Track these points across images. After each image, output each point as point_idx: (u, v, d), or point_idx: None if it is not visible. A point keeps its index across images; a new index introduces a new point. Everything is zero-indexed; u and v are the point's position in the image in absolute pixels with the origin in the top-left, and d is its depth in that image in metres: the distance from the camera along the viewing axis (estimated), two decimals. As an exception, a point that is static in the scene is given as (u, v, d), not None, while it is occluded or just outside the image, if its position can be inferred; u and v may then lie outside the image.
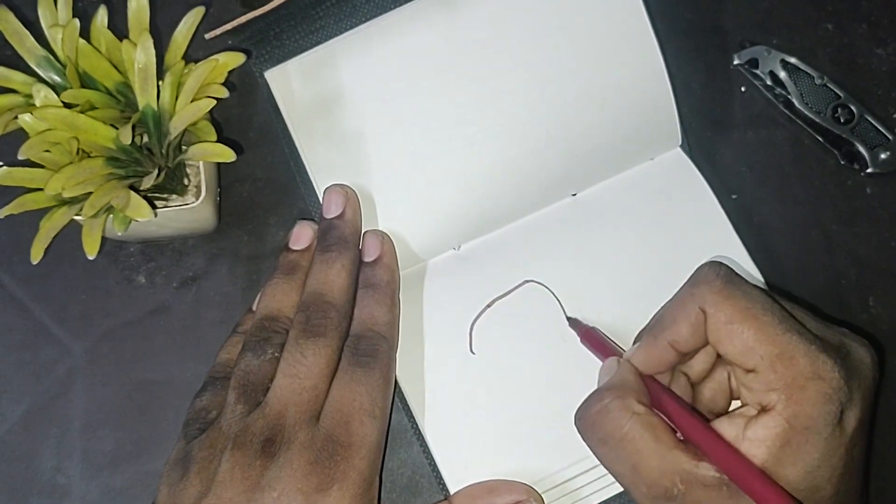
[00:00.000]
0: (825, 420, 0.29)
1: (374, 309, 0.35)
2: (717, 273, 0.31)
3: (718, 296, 0.31)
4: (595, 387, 0.33)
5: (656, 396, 0.32)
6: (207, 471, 0.32)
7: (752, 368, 0.30)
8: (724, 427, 0.30)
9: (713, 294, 0.31)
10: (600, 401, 0.31)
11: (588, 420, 0.32)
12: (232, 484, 0.31)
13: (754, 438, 0.29)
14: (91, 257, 0.34)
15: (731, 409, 0.34)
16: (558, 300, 0.38)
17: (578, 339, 0.37)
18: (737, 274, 0.32)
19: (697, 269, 0.33)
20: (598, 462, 0.36)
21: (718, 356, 0.33)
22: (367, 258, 0.37)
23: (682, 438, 0.31)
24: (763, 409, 0.30)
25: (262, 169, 0.42)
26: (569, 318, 0.37)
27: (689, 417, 0.31)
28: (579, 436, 0.33)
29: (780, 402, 0.29)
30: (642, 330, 0.35)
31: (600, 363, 0.35)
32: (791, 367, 0.29)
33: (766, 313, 0.30)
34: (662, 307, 0.34)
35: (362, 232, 0.38)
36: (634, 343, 0.35)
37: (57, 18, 0.35)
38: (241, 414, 0.32)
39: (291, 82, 0.38)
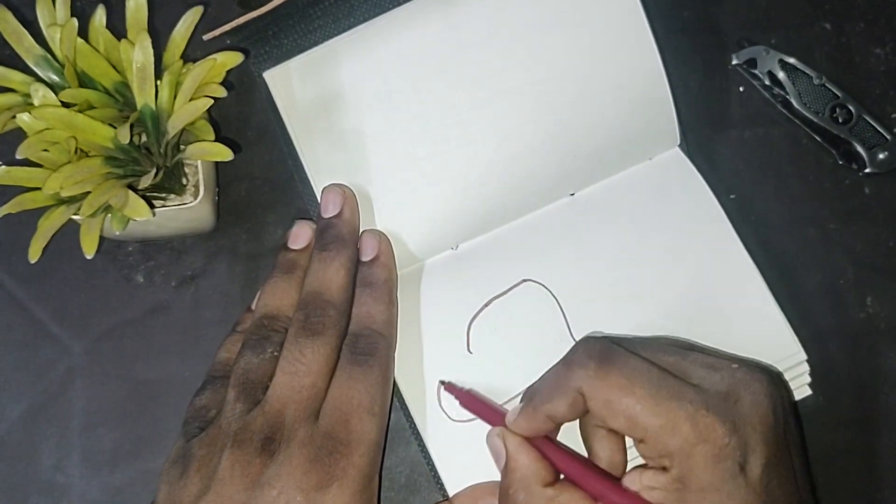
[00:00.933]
0: (721, 478, 0.29)
1: (372, 307, 0.35)
2: (590, 355, 0.32)
3: (594, 378, 0.31)
4: None
5: (552, 456, 0.33)
6: (207, 468, 0.32)
7: (641, 439, 0.31)
8: (628, 481, 0.32)
9: (588, 378, 0.31)
10: (516, 499, 0.32)
11: None
12: (232, 481, 0.31)
13: (655, 488, 0.31)
14: (89, 257, 0.34)
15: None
16: (556, 299, 0.38)
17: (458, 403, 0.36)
18: (612, 346, 0.32)
19: (572, 349, 0.33)
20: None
21: None
22: (365, 257, 0.37)
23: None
24: (662, 468, 0.31)
25: (261, 168, 0.42)
26: (443, 383, 0.37)
27: (592, 475, 0.32)
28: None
29: (673, 466, 0.30)
30: (529, 388, 0.35)
31: None
32: (675, 436, 0.29)
33: (643, 386, 0.30)
34: (543, 376, 0.34)
35: (360, 231, 0.38)
36: (523, 398, 0.35)
37: (55, 18, 0.35)
38: (240, 412, 0.33)
39: (290, 82, 0.38)
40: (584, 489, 0.32)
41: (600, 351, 0.32)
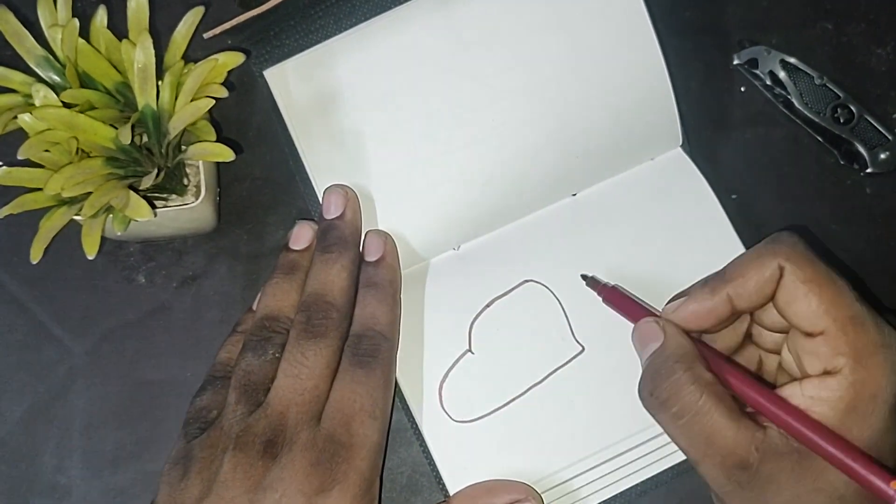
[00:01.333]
0: (893, 389, 0.29)
1: (375, 309, 0.35)
2: (799, 238, 0.32)
3: (801, 256, 0.30)
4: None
5: (705, 358, 0.31)
6: (209, 471, 0.32)
7: (821, 331, 0.30)
8: (781, 392, 0.30)
9: (796, 253, 0.31)
10: (671, 374, 0.30)
11: (660, 396, 0.30)
12: (234, 484, 0.31)
13: (817, 398, 0.29)
14: (91, 257, 0.34)
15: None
16: (558, 300, 0.38)
17: (600, 299, 0.35)
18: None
19: (775, 234, 0.32)
20: (596, 463, 0.36)
21: (748, 335, 0.33)
22: (370, 258, 0.37)
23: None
24: (826, 373, 0.30)
25: (262, 168, 0.42)
26: (584, 277, 0.36)
27: (750, 383, 0.31)
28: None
29: (847, 366, 0.29)
30: (676, 295, 0.34)
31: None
32: (862, 333, 0.29)
33: (841, 280, 0.30)
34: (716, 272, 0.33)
35: (362, 232, 0.38)
36: (665, 311, 0.34)
37: (56, 18, 0.35)
38: (242, 414, 0.32)
39: (290, 81, 0.38)
40: (740, 394, 0.30)
41: (804, 241, 0.31)
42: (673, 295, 0.34)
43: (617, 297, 0.35)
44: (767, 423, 0.30)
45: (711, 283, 0.32)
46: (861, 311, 0.30)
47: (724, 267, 0.32)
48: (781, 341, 0.33)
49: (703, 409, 0.29)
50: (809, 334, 0.30)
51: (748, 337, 0.35)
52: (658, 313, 0.34)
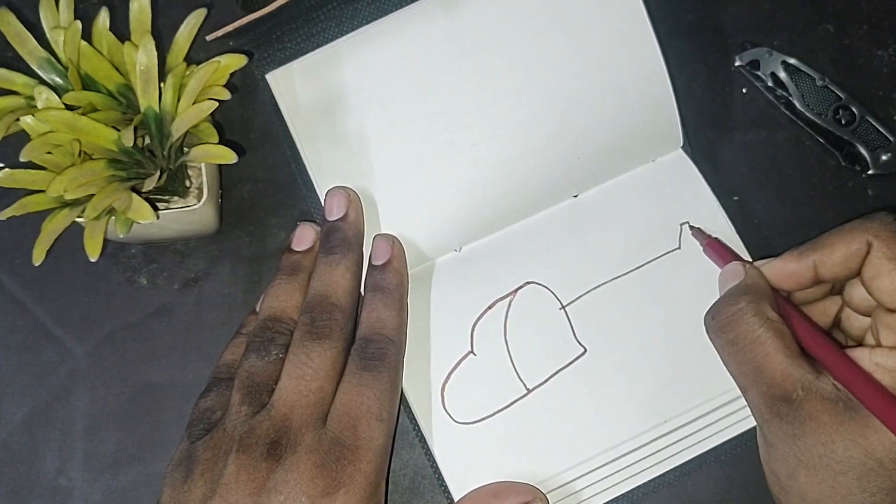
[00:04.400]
0: None
1: (382, 312, 0.35)
2: (894, 218, 0.32)
3: (891, 234, 0.31)
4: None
5: (783, 307, 0.32)
6: (212, 472, 0.32)
7: None
8: (849, 352, 0.31)
9: (886, 231, 0.31)
10: (736, 303, 0.32)
11: (722, 320, 0.32)
12: (237, 486, 0.31)
13: (884, 366, 0.30)
14: (93, 259, 0.34)
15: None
16: (560, 301, 0.38)
17: (701, 248, 0.37)
18: None
19: (871, 213, 0.33)
20: (599, 465, 0.36)
21: (837, 322, 0.34)
22: (377, 261, 0.37)
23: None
24: None
25: (264, 170, 0.42)
26: (691, 227, 0.38)
27: (817, 334, 0.32)
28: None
29: None
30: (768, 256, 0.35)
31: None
32: None
33: None
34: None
35: (365, 234, 0.38)
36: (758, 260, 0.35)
37: (59, 20, 0.35)
38: (245, 415, 0.32)
39: (293, 84, 0.38)
40: (813, 350, 0.31)
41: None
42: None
43: (716, 246, 0.37)
44: (824, 372, 0.31)
45: (802, 248, 0.33)
46: None
47: (819, 237, 0.34)
48: (867, 328, 0.34)
49: (760, 339, 0.31)
50: (891, 310, 0.31)
51: (836, 324, 0.35)
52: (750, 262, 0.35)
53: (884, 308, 0.32)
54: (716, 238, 0.37)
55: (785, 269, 0.33)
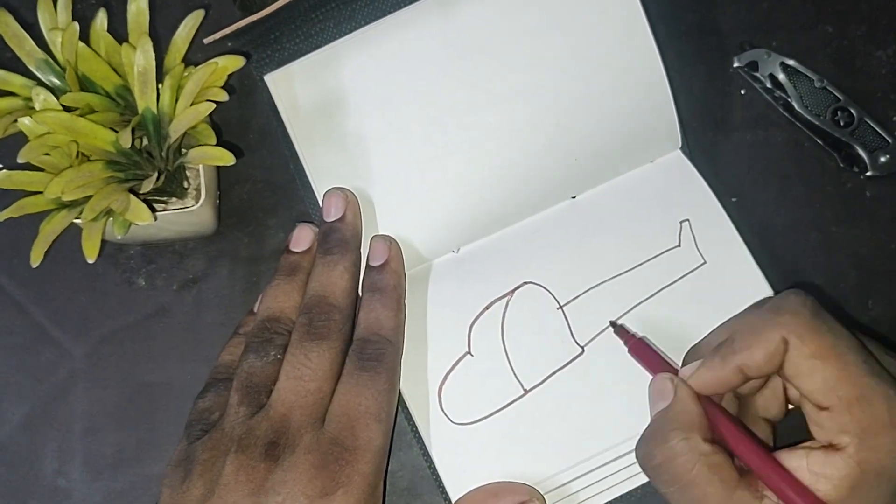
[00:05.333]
0: None
1: (380, 313, 0.35)
2: (804, 304, 0.30)
3: (805, 328, 0.30)
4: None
5: (715, 422, 0.31)
6: (211, 473, 0.32)
7: (827, 407, 0.29)
8: (787, 460, 0.30)
9: (800, 326, 0.30)
10: (666, 442, 0.30)
11: (653, 461, 0.31)
12: (236, 486, 0.31)
13: (821, 475, 0.29)
14: (91, 261, 0.34)
15: (786, 415, 0.34)
16: (557, 302, 0.38)
17: (626, 349, 0.35)
18: (822, 308, 0.31)
19: (782, 296, 0.32)
20: (597, 465, 0.36)
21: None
22: (374, 262, 0.37)
23: (743, 468, 0.30)
24: (832, 447, 0.29)
25: (262, 171, 0.42)
26: (613, 325, 0.37)
27: (752, 448, 0.30)
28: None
29: (852, 445, 0.28)
30: (693, 348, 0.34)
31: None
32: (868, 412, 0.28)
33: (850, 352, 0.29)
34: (724, 328, 0.33)
35: (363, 235, 0.38)
36: (685, 361, 0.34)
37: (56, 21, 0.35)
38: (244, 416, 0.32)
39: (291, 85, 0.38)
40: (746, 461, 0.30)
41: (813, 303, 0.30)
42: (690, 347, 0.34)
43: (642, 349, 0.35)
44: (767, 493, 0.29)
45: (723, 351, 0.31)
46: (870, 387, 0.29)
47: (734, 330, 0.32)
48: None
49: (696, 479, 0.29)
50: (818, 406, 0.30)
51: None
52: (677, 369, 0.34)
53: (811, 404, 0.30)
54: (641, 339, 0.35)
55: (712, 378, 0.31)
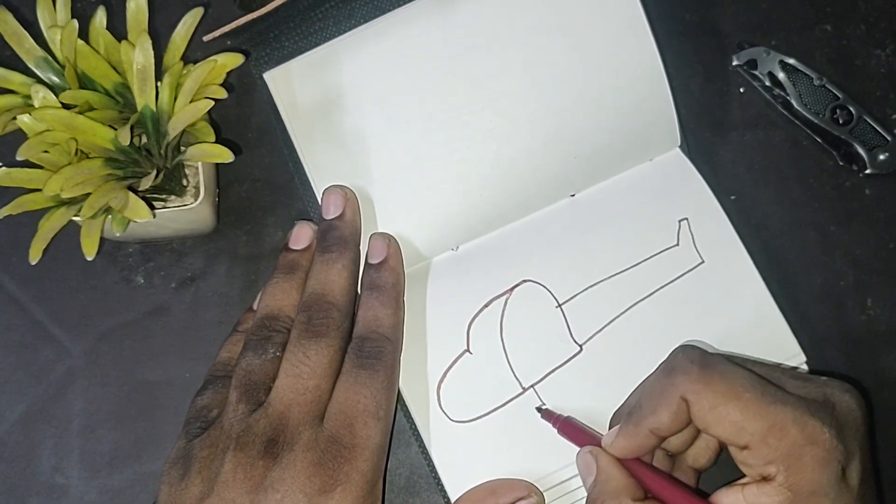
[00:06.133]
0: (828, 482, 0.29)
1: (378, 311, 0.35)
2: (692, 360, 0.31)
3: (697, 384, 0.31)
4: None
5: (643, 479, 0.32)
6: (209, 470, 0.32)
7: (745, 445, 0.30)
8: (724, 498, 0.31)
9: (692, 383, 0.31)
10: None
11: None
12: (235, 484, 0.31)
13: (758, 502, 0.30)
14: (90, 258, 0.34)
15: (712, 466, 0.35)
16: (556, 300, 0.38)
17: (554, 429, 0.36)
18: (711, 356, 0.32)
19: (670, 356, 0.33)
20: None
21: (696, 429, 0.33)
22: (373, 260, 0.37)
23: None
24: (763, 479, 0.30)
25: (261, 169, 0.42)
26: (539, 410, 0.37)
27: (684, 495, 0.31)
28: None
29: (779, 472, 0.29)
30: (617, 412, 0.35)
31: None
32: (784, 439, 0.29)
33: (748, 390, 0.30)
34: (637, 392, 0.34)
35: (362, 233, 0.38)
36: (611, 424, 0.35)
37: (56, 19, 0.35)
38: (243, 413, 0.32)
39: (290, 83, 0.38)
40: None
41: (700, 356, 0.32)
42: (614, 411, 0.36)
43: (569, 429, 0.36)
44: None
45: (634, 416, 0.32)
46: (777, 415, 0.29)
47: (640, 398, 0.33)
48: None
49: None
50: (737, 447, 0.31)
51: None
52: (600, 439, 0.34)
53: (731, 446, 0.31)
54: (567, 418, 0.36)
55: (629, 444, 0.32)
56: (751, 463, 0.30)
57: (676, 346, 0.34)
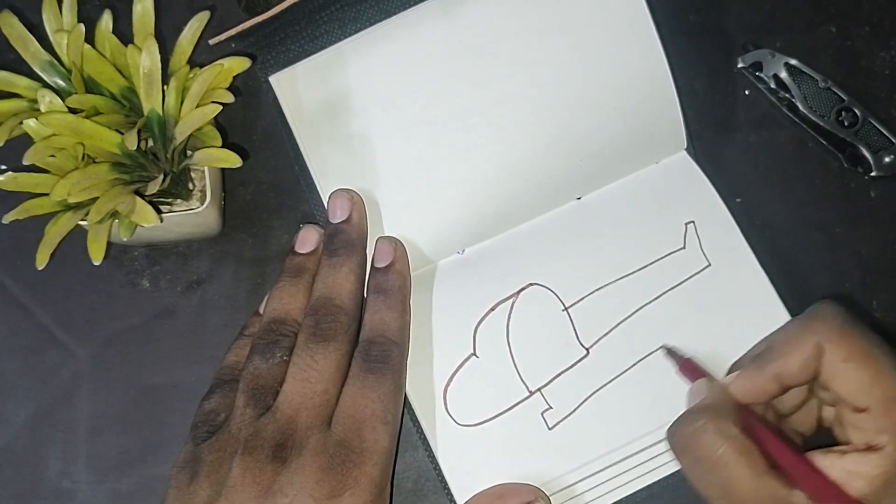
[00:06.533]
0: None
1: (385, 315, 0.35)
2: (836, 312, 0.31)
3: (838, 333, 0.30)
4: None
5: (749, 422, 0.31)
6: (217, 474, 0.32)
7: (864, 408, 0.30)
8: (820, 460, 0.30)
9: (833, 331, 0.31)
10: (694, 422, 0.31)
11: (681, 441, 0.31)
12: (243, 488, 0.31)
13: (855, 472, 0.29)
14: (97, 263, 0.34)
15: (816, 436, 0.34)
16: (562, 303, 0.38)
17: (675, 369, 0.36)
18: (853, 315, 0.32)
19: (814, 306, 0.32)
20: (603, 467, 0.36)
21: (811, 390, 0.33)
22: (380, 264, 0.37)
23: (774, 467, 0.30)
24: (870, 448, 0.30)
25: (267, 173, 0.42)
26: (665, 348, 0.37)
27: (783, 446, 0.31)
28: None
29: (890, 444, 0.29)
30: (738, 361, 0.35)
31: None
32: None
33: (883, 356, 0.30)
34: (766, 339, 0.34)
35: (368, 236, 0.38)
36: (729, 373, 0.35)
37: (62, 23, 0.35)
38: (251, 418, 0.32)
39: (296, 86, 0.38)
40: (782, 463, 0.30)
41: (844, 311, 0.31)
42: (733, 362, 0.35)
43: (690, 367, 0.36)
44: (795, 486, 0.30)
45: (760, 360, 0.32)
46: None
47: (771, 341, 0.33)
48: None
49: (723, 459, 0.30)
50: (855, 408, 0.30)
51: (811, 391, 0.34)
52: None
53: (848, 407, 0.31)
54: (689, 359, 0.36)
55: (750, 385, 0.32)
56: (863, 428, 0.30)
57: (684, 346, 0.34)
